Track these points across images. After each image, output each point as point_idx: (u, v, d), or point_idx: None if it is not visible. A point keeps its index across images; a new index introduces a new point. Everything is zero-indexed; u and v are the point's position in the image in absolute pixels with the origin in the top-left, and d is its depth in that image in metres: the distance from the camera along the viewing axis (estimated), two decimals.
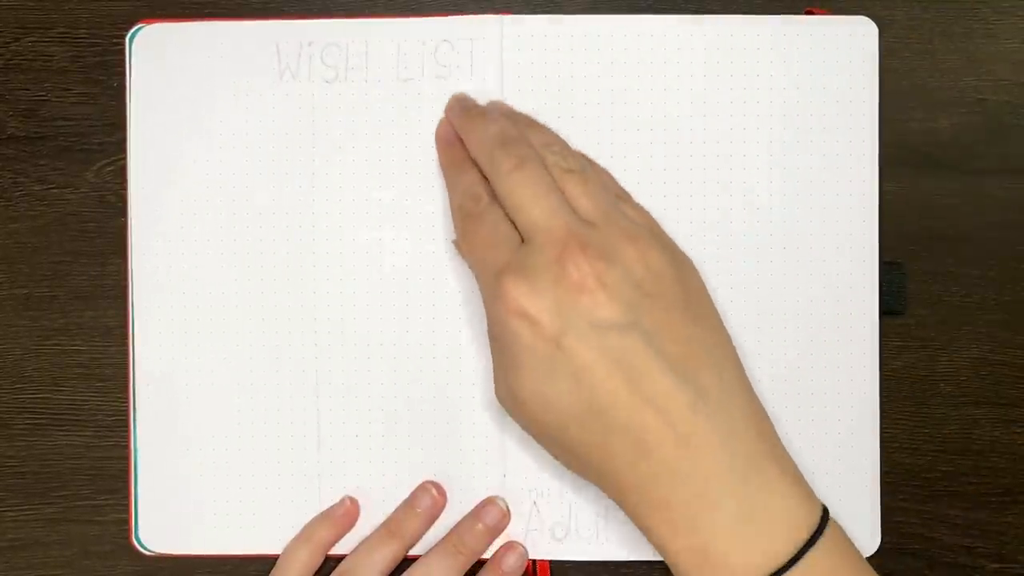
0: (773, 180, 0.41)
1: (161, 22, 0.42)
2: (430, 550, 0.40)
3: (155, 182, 0.42)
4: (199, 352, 0.41)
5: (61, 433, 0.42)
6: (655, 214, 0.41)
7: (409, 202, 0.41)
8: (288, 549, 0.40)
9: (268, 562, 0.41)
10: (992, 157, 0.43)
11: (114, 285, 0.42)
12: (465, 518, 0.40)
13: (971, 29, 0.43)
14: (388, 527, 0.40)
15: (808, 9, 0.42)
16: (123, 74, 0.42)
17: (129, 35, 0.42)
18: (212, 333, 0.42)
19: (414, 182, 0.41)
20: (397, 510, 0.41)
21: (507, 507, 0.40)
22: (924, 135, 0.43)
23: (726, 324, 0.39)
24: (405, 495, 0.41)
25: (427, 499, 0.40)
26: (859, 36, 0.41)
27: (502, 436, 0.41)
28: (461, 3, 0.43)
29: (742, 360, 0.39)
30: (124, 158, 0.42)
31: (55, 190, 0.42)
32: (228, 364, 0.41)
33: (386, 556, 0.39)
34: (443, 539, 0.40)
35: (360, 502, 0.41)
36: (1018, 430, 0.43)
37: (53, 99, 0.43)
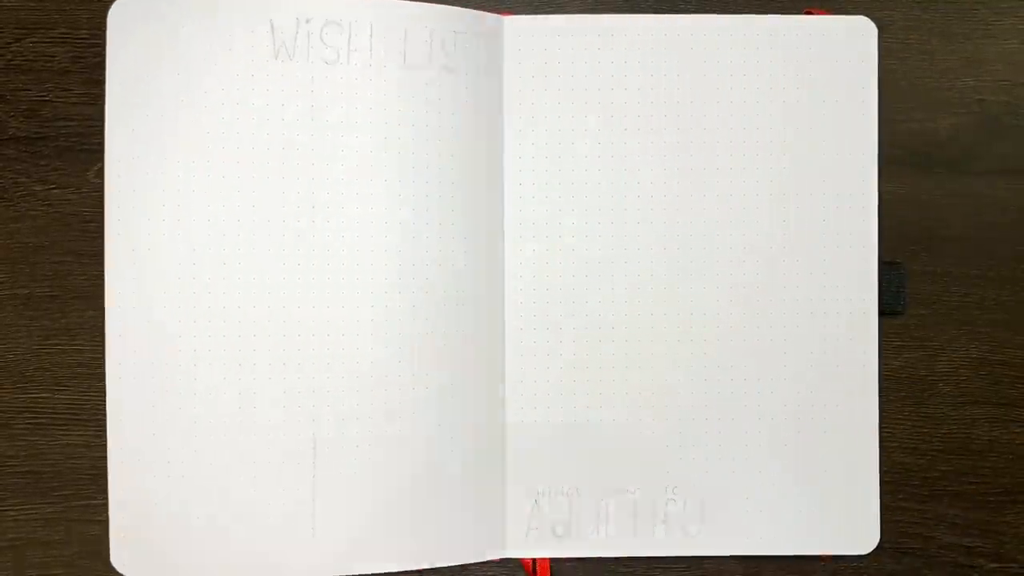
0: (772, 180, 0.41)
1: None
2: None
3: (137, 175, 0.39)
4: (190, 351, 0.41)
5: (61, 433, 0.42)
6: (654, 213, 0.41)
7: (412, 194, 0.41)
8: None
9: None
10: (992, 157, 0.43)
11: None
12: None
13: (970, 29, 0.43)
14: None
15: (807, 9, 0.42)
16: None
17: (111, 10, 0.39)
18: (204, 325, 0.40)
19: (420, 175, 0.41)
20: None
21: None
22: (924, 135, 0.43)
23: (727, 325, 0.39)
24: (404, 503, 0.41)
25: None
26: (858, 36, 0.42)
27: (503, 436, 0.41)
28: (463, 3, 0.43)
29: (743, 359, 0.39)
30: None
31: (56, 190, 0.43)
32: (226, 362, 0.41)
33: None
34: None
35: (359, 504, 0.41)
36: (1018, 430, 0.43)
37: (54, 99, 0.43)
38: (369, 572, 0.40)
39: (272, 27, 0.39)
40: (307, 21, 0.39)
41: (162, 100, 0.39)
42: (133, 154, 0.39)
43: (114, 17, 0.39)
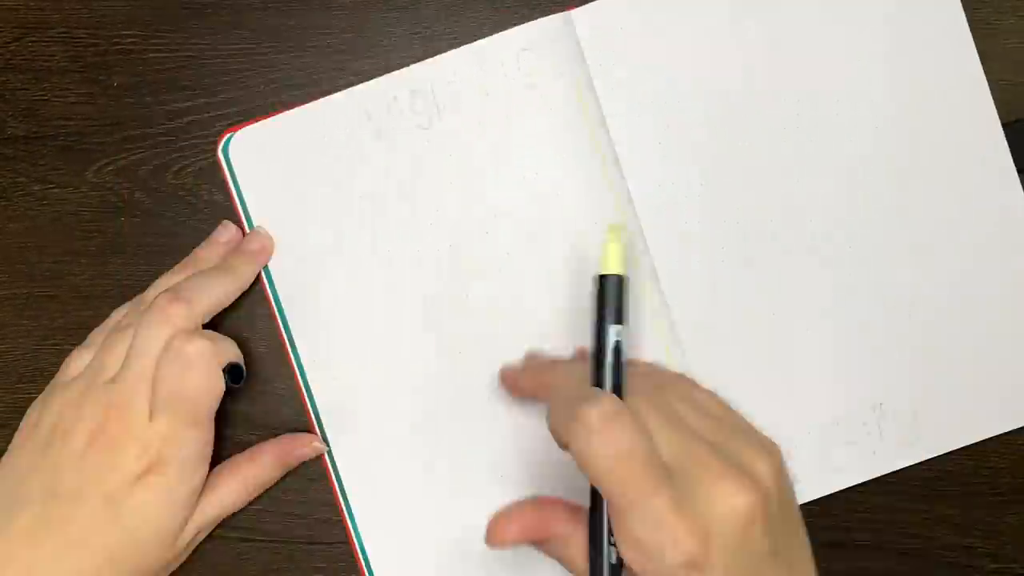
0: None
1: (247, 125, 0.41)
2: None
3: (294, 276, 0.41)
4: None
5: None
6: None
7: (529, 224, 0.41)
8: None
9: (267, 562, 0.41)
10: None
11: (114, 285, 0.42)
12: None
13: (971, 28, 0.43)
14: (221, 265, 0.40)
15: None
16: (124, 80, 0.42)
17: (222, 146, 0.41)
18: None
19: (534, 201, 0.41)
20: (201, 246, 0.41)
21: (266, 232, 0.41)
22: None
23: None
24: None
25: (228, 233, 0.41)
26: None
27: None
28: (524, 14, 0.42)
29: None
30: (124, 158, 0.42)
31: (55, 190, 0.42)
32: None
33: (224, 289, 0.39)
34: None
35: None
36: (1018, 430, 0.43)
37: (53, 99, 0.43)
38: None
39: (368, 115, 0.41)
40: (394, 99, 0.41)
41: (296, 206, 0.41)
42: (288, 258, 0.41)
43: (235, 149, 0.41)
